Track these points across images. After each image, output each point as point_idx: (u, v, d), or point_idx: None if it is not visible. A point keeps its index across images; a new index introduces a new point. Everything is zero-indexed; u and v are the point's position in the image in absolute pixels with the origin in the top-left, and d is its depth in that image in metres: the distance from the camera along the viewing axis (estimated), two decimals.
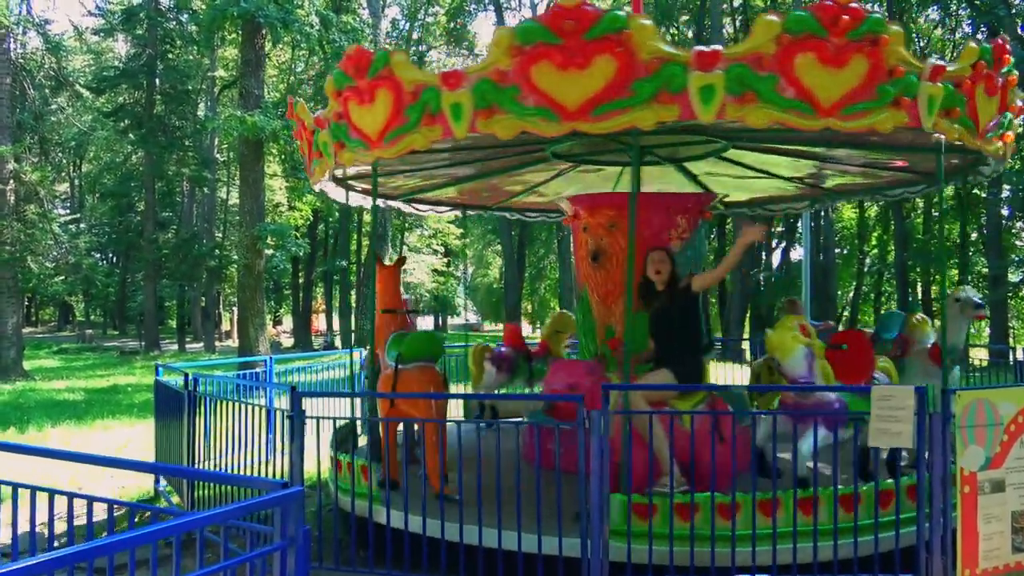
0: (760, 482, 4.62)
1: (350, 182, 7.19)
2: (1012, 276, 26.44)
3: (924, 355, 6.72)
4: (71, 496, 3.16)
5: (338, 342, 36.47)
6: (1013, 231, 28.79)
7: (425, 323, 46.72)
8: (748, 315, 32.30)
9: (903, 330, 7.10)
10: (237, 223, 26.97)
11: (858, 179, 8.00)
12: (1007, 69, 4.99)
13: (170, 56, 30.81)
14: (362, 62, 4.88)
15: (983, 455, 4.37)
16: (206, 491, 6.51)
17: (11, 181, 21.62)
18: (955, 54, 4.91)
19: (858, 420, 4.76)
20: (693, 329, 5.62)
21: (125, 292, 45.53)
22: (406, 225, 39.66)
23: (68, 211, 42.65)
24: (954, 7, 26.52)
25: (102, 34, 34.54)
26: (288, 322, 48.66)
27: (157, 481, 7.96)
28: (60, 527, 4.96)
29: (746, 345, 19.79)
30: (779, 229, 35.55)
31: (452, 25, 36.97)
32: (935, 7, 27.65)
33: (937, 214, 31.37)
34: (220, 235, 35.88)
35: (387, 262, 7.38)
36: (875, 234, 34.68)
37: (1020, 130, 5.82)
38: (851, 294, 36.11)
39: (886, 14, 28.14)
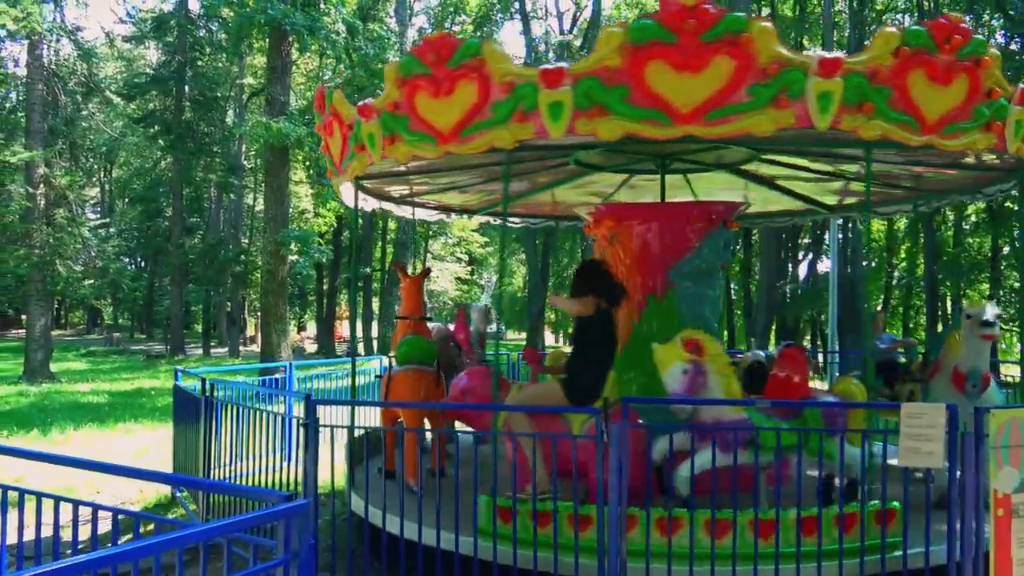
0: (665, 499, 4.59)
1: (366, 184, 7.09)
2: None
3: (948, 378, 6.07)
4: (76, 503, 3.11)
5: (361, 349, 36.56)
6: None
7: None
8: (774, 327, 31.91)
9: (939, 349, 6.85)
10: (262, 229, 27.14)
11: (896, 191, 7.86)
12: None
13: (199, 63, 31.14)
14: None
15: (1018, 477, 4.20)
16: (221, 497, 6.48)
17: (41, 185, 21.92)
18: None
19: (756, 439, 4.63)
20: (590, 347, 5.37)
21: (153, 296, 46.02)
22: (430, 233, 39.72)
23: (98, 216, 43.22)
24: (987, 18, 26.12)
25: (133, 41, 34.97)
26: (312, 328, 48.91)
27: (175, 486, 7.95)
28: (68, 533, 4.93)
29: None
30: (806, 240, 35.17)
31: (479, 34, 37.03)
32: (968, 17, 27.25)
33: (968, 227, 30.98)
34: (246, 241, 36.17)
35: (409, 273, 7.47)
36: (904, 246, 34.18)
37: None
38: (879, 307, 35.58)
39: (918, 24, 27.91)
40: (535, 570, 4.43)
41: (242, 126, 23.44)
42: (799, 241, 34.97)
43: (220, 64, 32.58)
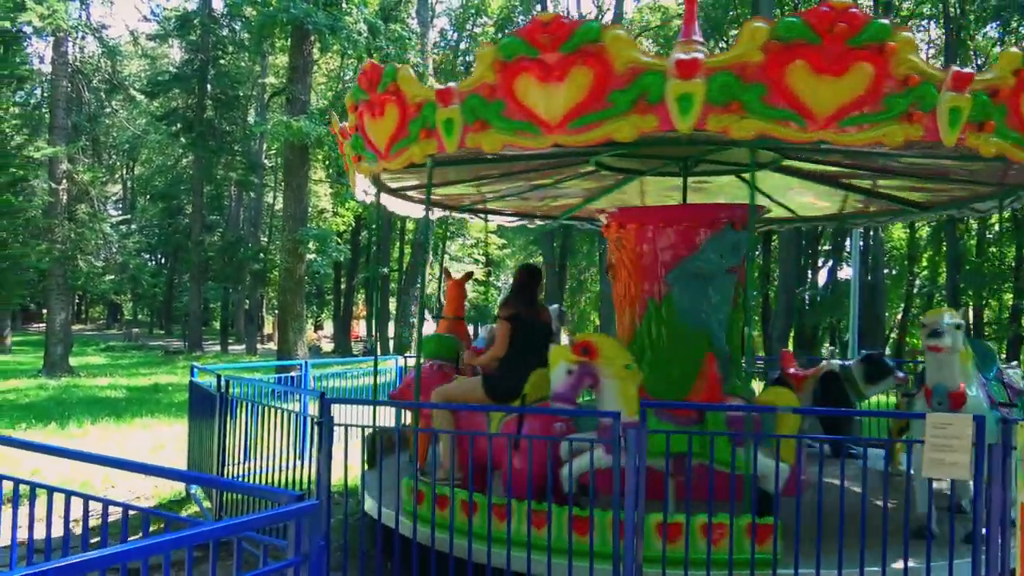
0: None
1: (401, 191, 7.14)
2: None
3: (923, 394, 5.44)
4: (87, 499, 3.08)
5: (377, 348, 36.62)
6: None
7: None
8: (792, 334, 31.66)
9: None
10: (281, 227, 27.23)
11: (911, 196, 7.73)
12: None
13: (222, 62, 31.35)
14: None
15: None
16: (234, 495, 6.47)
17: (64, 181, 22.13)
18: None
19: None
20: (511, 350, 5.71)
21: (172, 293, 46.36)
22: (448, 234, 39.75)
23: (120, 212, 43.64)
24: (1015, 24, 25.79)
25: (157, 39, 35.27)
26: (329, 327, 49.07)
27: (188, 484, 7.94)
28: (80, 528, 4.92)
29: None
30: (826, 247, 34.88)
31: (500, 36, 37.04)
32: (994, 24, 26.95)
33: (992, 236, 30.60)
34: (265, 239, 36.34)
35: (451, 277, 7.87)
36: (926, 255, 33.83)
37: None
38: (899, 315, 35.23)
39: (943, 32, 27.63)
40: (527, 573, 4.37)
41: (263, 124, 23.56)
42: (819, 247, 34.71)
43: (242, 63, 32.77)
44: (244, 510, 6.24)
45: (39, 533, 3.45)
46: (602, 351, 4.86)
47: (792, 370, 7.70)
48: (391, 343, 36.51)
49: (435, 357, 6.69)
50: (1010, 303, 30.43)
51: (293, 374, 11.53)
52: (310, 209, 26.09)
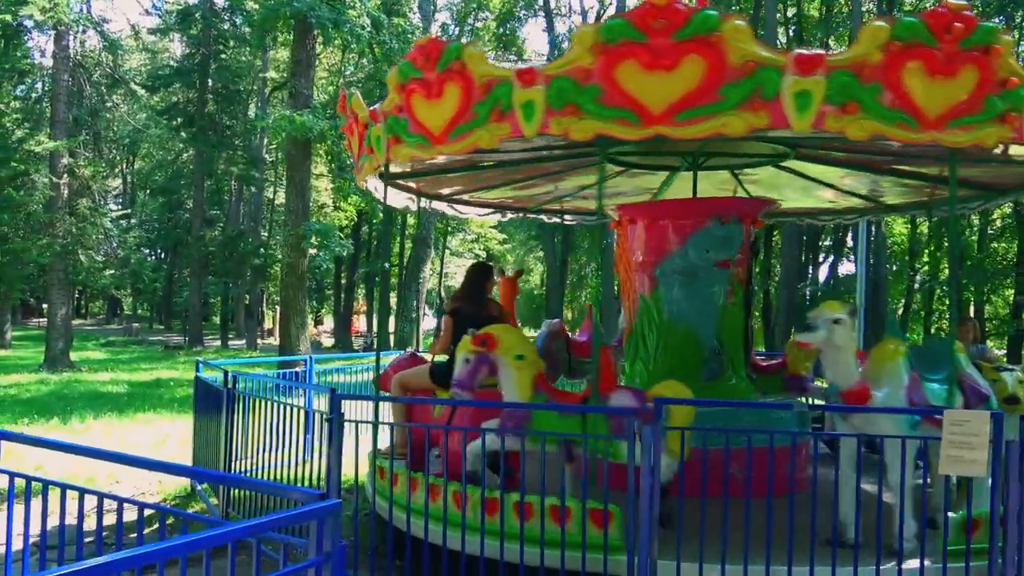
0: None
1: (398, 181, 7.06)
2: None
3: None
4: (101, 496, 3.05)
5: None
6: None
7: None
8: (793, 329, 31.62)
9: None
10: (283, 222, 27.14)
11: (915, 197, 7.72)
12: None
13: (223, 56, 31.27)
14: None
15: None
16: (242, 492, 6.43)
17: (65, 175, 22.07)
18: None
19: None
20: (455, 343, 5.74)
21: (172, 288, 46.31)
22: (448, 229, 39.70)
23: (120, 207, 43.56)
24: (1018, 19, 25.73)
25: (158, 34, 35.19)
26: (329, 322, 49.05)
27: (195, 479, 7.90)
28: (90, 524, 4.89)
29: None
30: (827, 243, 34.83)
31: (501, 31, 36.93)
32: (998, 19, 26.86)
33: (994, 232, 30.55)
34: (266, 234, 36.28)
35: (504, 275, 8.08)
36: (927, 250, 33.80)
37: None
38: (900, 311, 35.19)
39: None
40: (513, 566, 4.35)
41: (265, 119, 23.50)
42: (820, 243, 34.67)
43: (243, 57, 32.68)
44: (252, 506, 6.21)
45: (52, 530, 3.41)
46: (501, 342, 5.15)
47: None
48: (391, 338, 36.50)
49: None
50: (1011, 299, 30.42)
51: (297, 370, 11.50)
52: (311, 204, 26.05)
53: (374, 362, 6.63)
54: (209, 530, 2.19)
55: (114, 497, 3.12)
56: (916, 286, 34.18)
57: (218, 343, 34.89)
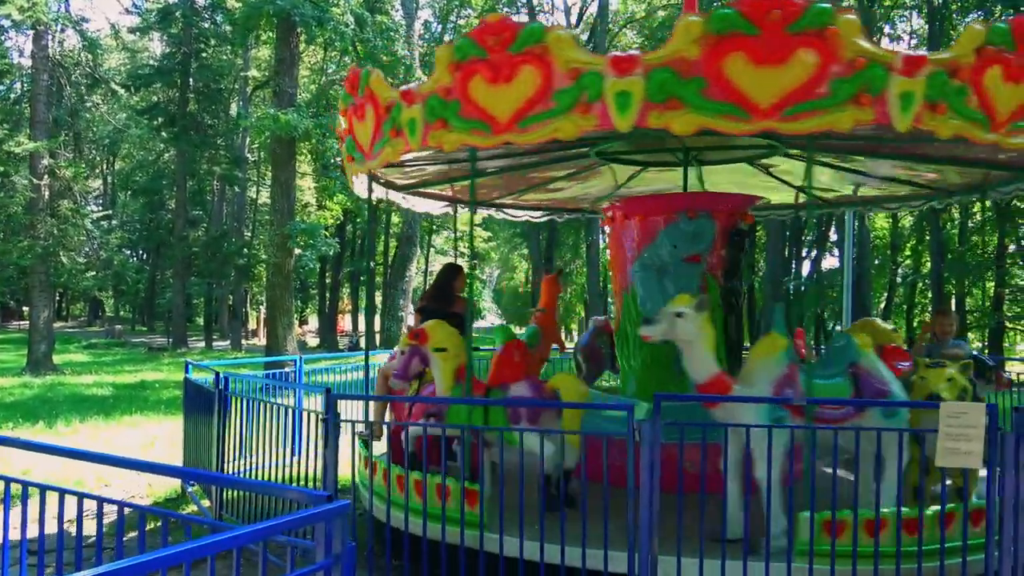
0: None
1: (384, 177, 7.01)
2: None
3: None
4: (101, 500, 3.00)
5: (363, 343, 36.46)
6: None
7: None
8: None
9: None
10: (266, 222, 26.94)
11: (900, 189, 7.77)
12: None
13: (204, 55, 31.00)
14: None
15: None
16: (234, 494, 6.39)
17: (46, 176, 21.82)
18: None
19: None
20: None
21: (155, 289, 45.92)
22: (433, 227, 39.59)
23: (100, 208, 43.11)
24: (998, 12, 25.95)
25: (138, 32, 34.85)
26: (313, 322, 48.79)
27: (185, 481, 7.84)
28: (83, 527, 4.83)
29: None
30: (809, 238, 35.03)
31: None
32: (978, 13, 27.11)
33: (974, 225, 30.82)
34: (249, 234, 36.04)
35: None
36: (909, 244, 34.09)
37: None
38: (883, 305, 35.47)
39: (926, 22, 27.77)
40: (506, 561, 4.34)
41: (248, 118, 23.34)
42: (803, 238, 34.87)
43: (225, 56, 32.44)
44: (245, 508, 6.17)
45: (50, 535, 3.37)
46: (431, 337, 5.56)
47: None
48: (377, 337, 36.36)
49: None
50: (992, 292, 30.72)
51: (286, 370, 11.44)
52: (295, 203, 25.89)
53: (362, 361, 6.62)
54: (218, 534, 2.16)
55: (115, 502, 3.08)
56: (899, 279, 34.46)
57: (202, 344, 34.64)
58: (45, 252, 21.53)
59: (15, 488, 3.45)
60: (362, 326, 41.32)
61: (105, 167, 47.92)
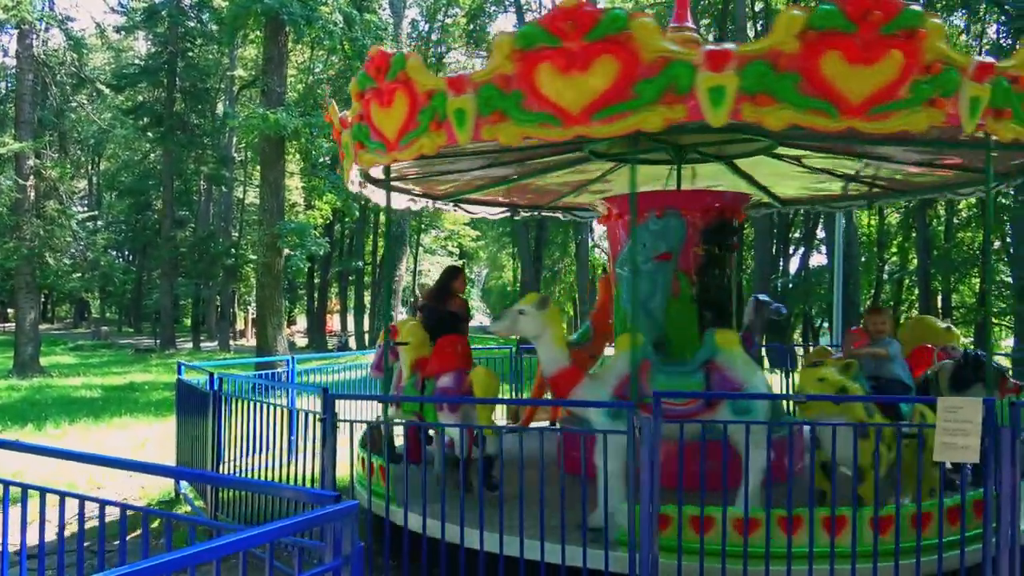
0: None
1: (392, 183, 7.04)
2: None
3: None
4: (103, 503, 2.98)
5: (352, 343, 36.38)
6: None
7: None
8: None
9: None
10: (254, 222, 26.80)
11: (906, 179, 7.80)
12: None
13: (190, 54, 30.81)
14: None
15: None
16: (230, 494, 6.36)
17: (31, 177, 21.62)
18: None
19: None
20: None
21: (141, 290, 45.62)
22: (422, 227, 39.55)
23: (86, 208, 42.77)
24: (982, 11, 26.12)
25: (123, 32, 34.60)
26: (302, 322, 48.61)
27: (178, 483, 7.80)
28: (75, 529, 4.80)
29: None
30: (796, 235, 35.15)
31: (471, 27, 36.79)
32: (962, 11, 27.29)
33: (959, 222, 31.03)
34: (236, 234, 35.87)
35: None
36: (896, 241, 34.30)
37: None
38: (869, 301, 35.67)
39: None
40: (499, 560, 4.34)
41: (237, 117, 23.22)
42: (790, 235, 35.00)
43: (211, 56, 32.25)
44: (241, 509, 6.15)
45: (51, 538, 3.34)
46: (399, 332, 6.22)
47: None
48: (366, 336, 36.27)
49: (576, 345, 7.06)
50: (977, 288, 30.93)
51: (278, 370, 11.39)
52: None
53: (354, 361, 6.70)
54: (228, 536, 2.15)
55: (117, 504, 3.06)
56: (885, 276, 34.66)
57: (190, 345, 34.45)
58: (31, 253, 21.34)
59: (14, 491, 3.42)
60: (351, 326, 41.21)
61: (90, 167, 47.56)
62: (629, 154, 6.74)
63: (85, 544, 3.42)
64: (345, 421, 5.05)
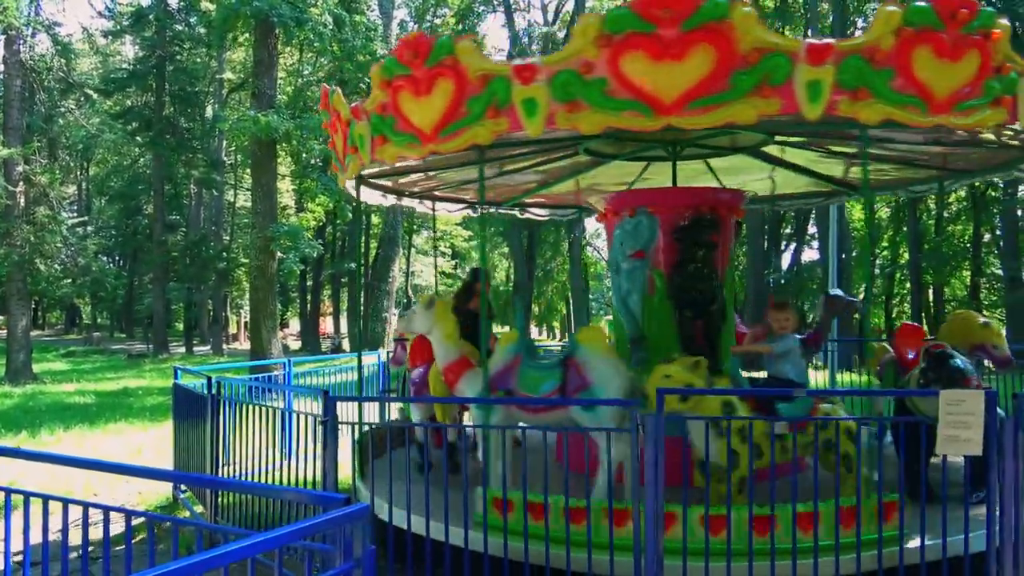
0: None
1: (372, 180, 7.00)
2: None
3: None
4: (107, 509, 2.95)
5: (345, 345, 36.29)
6: None
7: None
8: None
9: None
10: (245, 225, 26.70)
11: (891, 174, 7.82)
12: None
13: (179, 58, 30.68)
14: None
15: None
16: (230, 498, 6.32)
17: (21, 183, 21.50)
18: None
19: None
20: None
21: (132, 295, 45.42)
22: (414, 228, 39.48)
23: (75, 214, 42.55)
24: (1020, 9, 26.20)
25: (111, 36, 34.43)
26: (294, 325, 48.50)
27: (176, 488, 7.76)
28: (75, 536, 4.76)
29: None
30: (787, 231, 35.26)
31: (461, 27, 36.76)
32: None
33: (949, 215, 31.17)
34: (228, 238, 35.74)
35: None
36: (887, 235, 34.43)
37: None
38: (861, 295, 35.78)
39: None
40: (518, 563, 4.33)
41: (227, 120, 23.13)
42: (781, 231, 35.10)
43: (199, 59, 32.12)
44: (241, 514, 6.11)
45: (53, 548, 3.31)
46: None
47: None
48: (361, 339, 36.11)
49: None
50: (968, 281, 31.10)
51: (273, 373, 11.34)
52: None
53: (349, 363, 6.68)
54: (240, 540, 2.13)
55: (122, 510, 3.04)
56: (876, 270, 34.78)
57: (183, 350, 34.33)
58: (22, 260, 21.23)
59: (15, 498, 3.38)
60: (344, 328, 41.09)
61: (80, 172, 47.31)
62: (628, 153, 6.80)
63: (104, 552, 3.39)
64: (346, 423, 5.02)
